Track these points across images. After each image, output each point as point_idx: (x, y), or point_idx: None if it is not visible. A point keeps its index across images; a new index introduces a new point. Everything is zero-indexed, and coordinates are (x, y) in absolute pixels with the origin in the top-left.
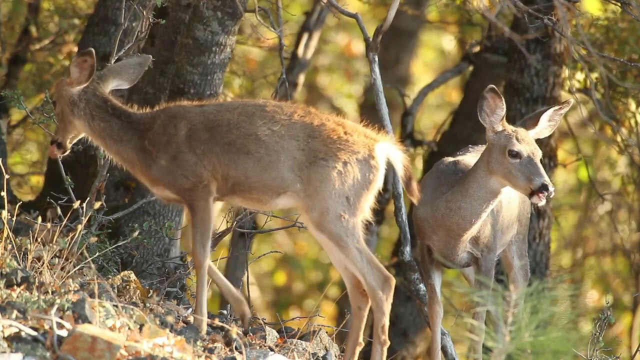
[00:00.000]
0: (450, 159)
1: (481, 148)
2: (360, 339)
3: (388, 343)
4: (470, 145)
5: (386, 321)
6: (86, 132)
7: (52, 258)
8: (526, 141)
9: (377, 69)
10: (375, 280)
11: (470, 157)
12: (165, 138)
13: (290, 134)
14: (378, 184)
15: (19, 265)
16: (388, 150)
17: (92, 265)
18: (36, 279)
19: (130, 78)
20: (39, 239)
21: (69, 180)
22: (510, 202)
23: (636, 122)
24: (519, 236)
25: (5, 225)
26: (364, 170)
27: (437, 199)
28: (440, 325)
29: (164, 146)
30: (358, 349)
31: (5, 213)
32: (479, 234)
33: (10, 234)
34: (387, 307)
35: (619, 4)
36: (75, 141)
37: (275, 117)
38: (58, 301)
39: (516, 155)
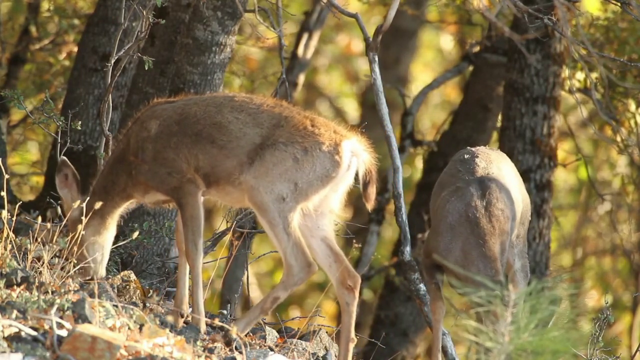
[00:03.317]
0: (474, 185)
1: (482, 150)
2: (352, 335)
3: (271, 309)
4: (471, 148)
5: (282, 296)
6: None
7: (52, 258)
8: None
9: (377, 69)
10: (297, 261)
11: (481, 162)
12: (140, 143)
13: (255, 122)
14: (339, 179)
15: (19, 265)
16: (355, 148)
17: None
18: (36, 279)
19: None
20: (39, 239)
21: None
22: (517, 204)
23: (636, 122)
24: (520, 238)
25: (5, 225)
26: (325, 162)
27: (454, 240)
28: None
29: (143, 150)
30: (351, 345)
31: (5, 213)
32: None
33: (10, 234)
34: (293, 286)
35: (619, 4)
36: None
37: (242, 106)
38: (58, 301)
39: None
